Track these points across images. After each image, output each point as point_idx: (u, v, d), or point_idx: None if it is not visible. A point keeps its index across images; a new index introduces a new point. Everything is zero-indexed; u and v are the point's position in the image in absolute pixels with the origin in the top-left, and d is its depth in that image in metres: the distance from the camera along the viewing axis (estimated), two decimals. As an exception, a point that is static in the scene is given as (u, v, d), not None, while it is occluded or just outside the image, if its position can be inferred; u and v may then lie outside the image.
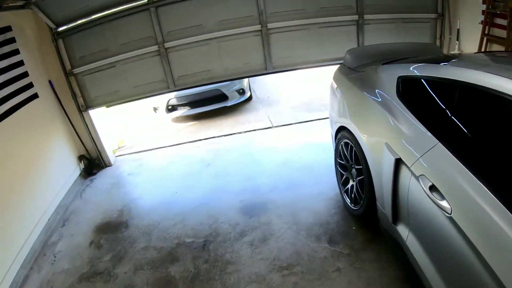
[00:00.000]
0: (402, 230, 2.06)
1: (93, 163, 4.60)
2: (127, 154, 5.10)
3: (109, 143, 4.88)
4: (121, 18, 3.97)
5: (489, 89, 1.53)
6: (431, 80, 2.04)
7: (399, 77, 2.32)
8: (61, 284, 2.88)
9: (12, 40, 3.56)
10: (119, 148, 5.21)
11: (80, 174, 4.45)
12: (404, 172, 1.96)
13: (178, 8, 3.97)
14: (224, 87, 5.65)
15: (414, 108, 2.07)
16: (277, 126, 5.26)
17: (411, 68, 2.29)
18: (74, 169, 4.35)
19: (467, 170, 1.50)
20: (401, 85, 2.27)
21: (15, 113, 3.43)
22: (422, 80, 2.13)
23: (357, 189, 2.75)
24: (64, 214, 3.84)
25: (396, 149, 2.03)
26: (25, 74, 3.69)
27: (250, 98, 6.44)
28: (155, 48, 4.15)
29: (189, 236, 3.11)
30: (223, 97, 5.83)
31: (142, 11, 3.95)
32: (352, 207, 2.87)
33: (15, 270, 2.96)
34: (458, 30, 4.35)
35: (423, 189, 1.71)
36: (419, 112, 2.01)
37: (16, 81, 3.55)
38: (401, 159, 1.96)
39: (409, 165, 1.87)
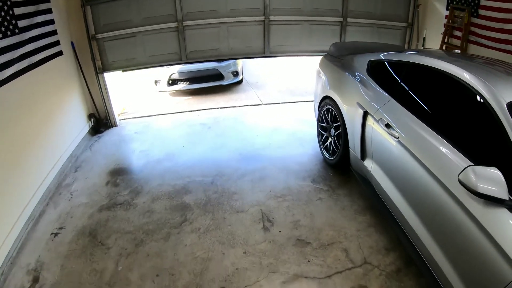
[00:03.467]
0: (368, 163, 3.29)
1: (100, 122, 5.52)
2: (130, 118, 6.06)
3: (116, 106, 5.78)
4: (147, -5, 4.99)
5: (422, 66, 2.91)
6: (388, 62, 3.41)
7: (369, 61, 3.63)
8: (81, 214, 3.59)
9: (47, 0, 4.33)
10: (121, 113, 6.11)
11: (89, 131, 5.32)
12: (369, 120, 3.21)
13: (199, -7, 5.12)
14: (221, 67, 6.91)
15: (376, 79, 3.39)
16: (266, 104, 6.55)
17: (377, 55, 3.58)
18: (84, 125, 5.23)
19: (407, 111, 2.78)
20: (370, 65, 3.59)
21: (43, 65, 4.13)
22: (383, 62, 3.48)
23: (334, 142, 3.99)
24: (76, 162, 4.63)
25: (364, 105, 3.29)
26: (54, 32, 4.46)
27: (241, 81, 7.72)
28: (174, 24, 5.23)
29: (198, 176, 4.16)
30: (219, 76, 7.03)
31: (167, -8, 5.02)
32: (330, 159, 4.12)
33: (32, 206, 3.56)
34: (424, 38, 5.80)
35: (381, 127, 2.94)
36: (379, 81, 3.33)
37: (47, 37, 4.29)
38: (367, 111, 3.21)
39: (372, 114, 3.12)
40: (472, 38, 4.83)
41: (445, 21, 5.24)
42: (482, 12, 4.59)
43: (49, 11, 4.35)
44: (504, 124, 2.04)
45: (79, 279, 2.81)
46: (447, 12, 5.19)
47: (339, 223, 3.31)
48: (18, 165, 3.49)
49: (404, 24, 5.87)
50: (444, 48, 5.30)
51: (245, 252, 3.00)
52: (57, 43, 4.54)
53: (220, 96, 7.15)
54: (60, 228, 3.41)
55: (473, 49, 4.86)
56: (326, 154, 4.21)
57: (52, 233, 3.35)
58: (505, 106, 2.09)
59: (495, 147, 2.14)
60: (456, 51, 5.03)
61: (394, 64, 3.33)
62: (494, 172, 1.84)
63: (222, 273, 2.80)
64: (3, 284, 2.80)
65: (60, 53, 4.61)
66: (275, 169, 4.23)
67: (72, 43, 5.00)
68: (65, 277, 2.84)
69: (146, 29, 5.17)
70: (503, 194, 1.80)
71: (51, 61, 4.37)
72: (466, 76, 2.43)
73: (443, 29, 5.29)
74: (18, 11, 3.65)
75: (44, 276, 2.86)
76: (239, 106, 6.48)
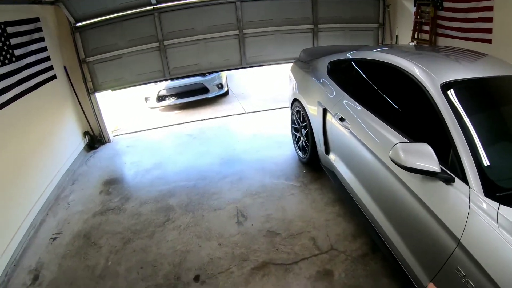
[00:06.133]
0: (331, 156, 3.66)
1: (95, 139, 6.02)
2: (123, 134, 6.57)
3: (109, 124, 6.27)
4: (130, 20, 5.53)
5: (369, 60, 3.30)
6: (342, 61, 3.79)
7: (329, 62, 3.99)
8: (77, 220, 4.05)
9: (39, 29, 4.83)
10: (115, 130, 6.61)
11: (84, 147, 5.82)
12: (328, 116, 3.58)
13: (177, 15, 5.65)
14: (206, 81, 7.43)
15: (334, 78, 3.76)
16: (249, 112, 7.04)
17: (335, 56, 3.95)
18: (79, 142, 5.72)
19: (357, 103, 3.14)
20: (329, 66, 3.96)
21: (39, 88, 4.62)
22: (339, 61, 3.87)
23: (305, 141, 4.34)
24: (73, 176, 5.10)
25: (323, 103, 3.66)
26: (47, 58, 4.97)
27: (227, 93, 8.24)
28: (156, 44, 5.77)
29: (182, 181, 4.59)
30: (205, 90, 7.55)
31: (148, 15, 5.57)
32: (302, 157, 4.50)
33: (32, 216, 3.99)
34: (396, 36, 6.14)
35: (337, 121, 3.31)
36: (336, 80, 3.70)
37: (41, 63, 4.79)
38: (326, 108, 3.58)
39: (330, 110, 3.48)
40: (440, 30, 5.15)
41: (414, 17, 5.56)
42: (446, 4, 4.90)
43: (42, 39, 4.85)
44: (438, 103, 2.27)
45: (74, 274, 3.22)
46: (415, 9, 5.50)
47: (309, 215, 3.65)
48: (18, 180, 3.92)
49: (376, 25, 6.28)
50: (415, 43, 5.61)
51: (220, 244, 3.37)
52: (50, 68, 5.03)
53: (207, 109, 7.67)
54: (58, 233, 3.84)
55: (441, 41, 5.18)
56: (300, 153, 4.60)
57: (51, 238, 3.78)
58: (439, 87, 2.33)
59: (432, 125, 2.31)
60: (411, 43, 5.39)
61: (346, 62, 3.71)
62: (423, 147, 1.99)
63: (198, 262, 3.17)
64: (7, 284, 3.21)
65: (54, 77, 5.11)
66: (252, 170, 4.64)
67: (64, 67, 5.52)
68: (62, 274, 3.24)
69: (131, 50, 5.71)
70: (434, 167, 1.94)
71: (46, 85, 4.84)
72: (405, 64, 2.72)
73: (413, 26, 5.61)
74: (14, 41, 4.16)
75: (44, 274, 3.27)
76: (224, 116, 6.97)
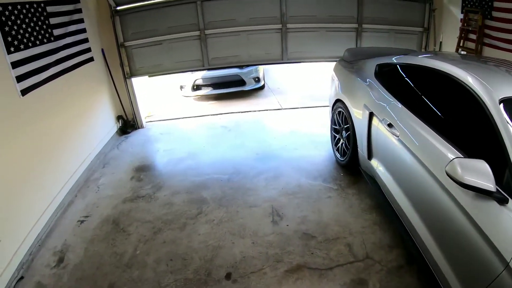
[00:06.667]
0: (374, 162, 3.53)
1: (128, 123, 6.05)
2: (156, 120, 6.58)
3: (142, 109, 6.29)
4: (172, 6, 5.52)
5: (422, 66, 3.16)
6: (392, 64, 3.66)
7: (377, 65, 3.87)
8: (106, 205, 4.04)
9: (79, 11, 4.85)
10: (148, 116, 6.64)
11: (117, 131, 5.85)
12: (374, 121, 3.45)
13: (219, 4, 5.60)
14: (243, 74, 7.42)
15: (382, 82, 3.62)
16: (285, 108, 6.94)
17: (384, 59, 3.83)
18: (112, 125, 5.75)
19: (408, 110, 3.00)
20: (377, 69, 3.83)
21: (76, 69, 4.64)
22: (388, 65, 3.73)
23: (345, 143, 4.25)
24: (104, 159, 5.12)
25: (370, 106, 3.54)
26: (86, 40, 4.99)
27: (262, 87, 8.18)
28: (196, 33, 5.74)
29: (217, 173, 4.53)
30: (241, 82, 7.54)
31: (190, 3, 5.54)
32: (341, 159, 4.38)
33: (61, 196, 4.00)
34: (440, 42, 5.92)
35: (385, 126, 3.18)
36: (385, 84, 3.56)
37: (79, 44, 4.81)
38: (373, 112, 3.46)
39: (377, 115, 3.36)
40: (487, 40, 4.94)
41: (460, 24, 5.36)
42: (495, 14, 4.69)
43: (81, 21, 4.87)
44: (495, 120, 2.15)
45: (100, 260, 3.19)
46: (462, 16, 5.30)
47: (345, 220, 3.53)
48: (50, 158, 3.94)
49: (420, 29, 6.09)
50: (459, 51, 5.42)
51: (254, 243, 3.28)
52: (88, 50, 5.06)
53: (242, 101, 7.63)
54: (87, 216, 3.84)
55: (488, 52, 4.96)
56: (338, 155, 4.48)
57: (78, 220, 3.78)
58: (498, 102, 2.21)
59: (487, 141, 2.22)
60: (462, 52, 5.17)
61: (396, 66, 3.59)
62: (481, 164, 1.91)
63: (230, 260, 3.09)
64: (31, 264, 3.20)
65: (91, 59, 5.13)
66: (289, 168, 4.54)
67: (102, 50, 5.54)
68: (87, 258, 3.23)
69: (171, 37, 5.69)
70: (490, 186, 1.86)
71: (83, 66, 4.87)
72: (461, 74, 2.59)
73: (458, 33, 5.41)
74: (53, 21, 4.16)
75: (69, 257, 3.26)
76: (259, 111, 6.89)
